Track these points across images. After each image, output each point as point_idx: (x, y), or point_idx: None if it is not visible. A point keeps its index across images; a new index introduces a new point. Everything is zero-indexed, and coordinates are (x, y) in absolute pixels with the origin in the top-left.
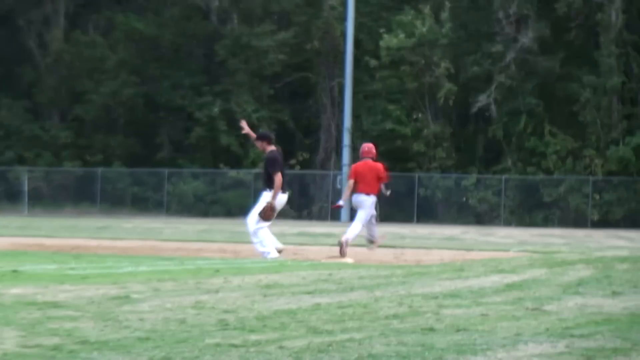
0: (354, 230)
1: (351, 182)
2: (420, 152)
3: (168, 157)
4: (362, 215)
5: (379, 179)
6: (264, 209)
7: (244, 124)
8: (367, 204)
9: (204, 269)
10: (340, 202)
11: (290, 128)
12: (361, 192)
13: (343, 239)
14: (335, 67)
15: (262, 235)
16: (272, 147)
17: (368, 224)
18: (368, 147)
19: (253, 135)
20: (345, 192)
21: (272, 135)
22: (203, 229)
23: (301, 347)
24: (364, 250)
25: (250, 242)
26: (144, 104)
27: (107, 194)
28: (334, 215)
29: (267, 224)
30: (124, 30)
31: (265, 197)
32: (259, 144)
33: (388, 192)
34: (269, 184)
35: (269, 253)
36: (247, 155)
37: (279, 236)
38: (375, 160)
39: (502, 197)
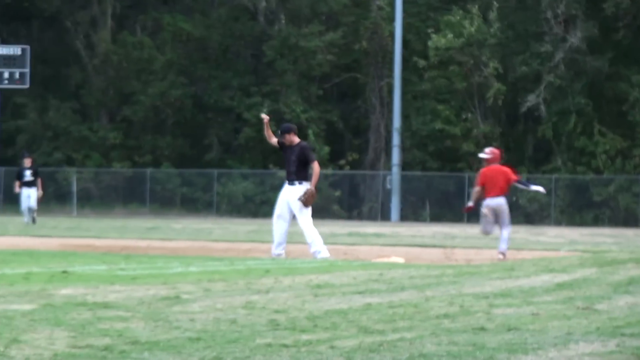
0: (506, 236)
1: (478, 188)
2: (469, 152)
3: (217, 158)
4: (506, 220)
5: (508, 181)
6: (305, 193)
7: (265, 117)
8: (506, 206)
9: (254, 269)
10: (471, 204)
11: (339, 128)
12: (498, 195)
13: (500, 251)
14: (383, 68)
15: (313, 235)
16: (298, 139)
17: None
18: (494, 153)
19: (269, 132)
20: (473, 196)
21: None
22: (253, 230)
23: (352, 347)
24: (415, 250)
25: (306, 244)
26: (193, 105)
27: (156, 195)
28: (384, 215)
29: (309, 215)
30: (172, 31)
31: (292, 190)
32: (286, 137)
33: (539, 188)
34: (300, 176)
35: (319, 252)
36: None
37: (329, 236)
38: (501, 163)
39: (552, 196)
